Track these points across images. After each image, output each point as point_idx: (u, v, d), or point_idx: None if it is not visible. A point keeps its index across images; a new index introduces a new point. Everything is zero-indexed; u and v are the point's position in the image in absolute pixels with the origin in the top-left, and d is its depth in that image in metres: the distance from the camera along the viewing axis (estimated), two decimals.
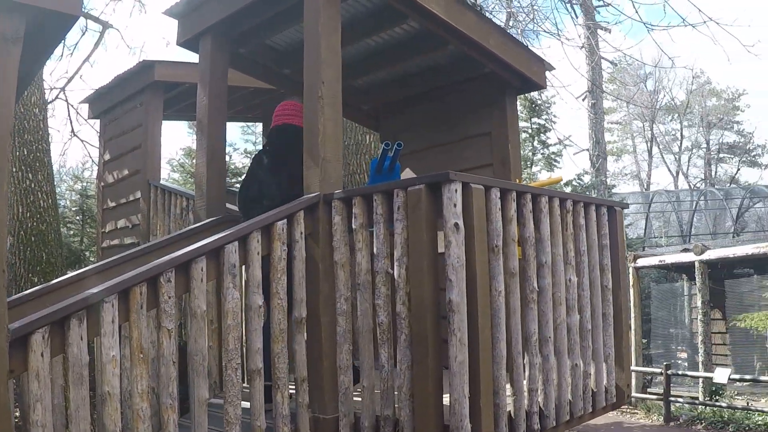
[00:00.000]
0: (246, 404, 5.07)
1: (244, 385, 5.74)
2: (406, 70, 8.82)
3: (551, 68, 8.57)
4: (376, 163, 6.32)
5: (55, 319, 4.03)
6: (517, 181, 7.91)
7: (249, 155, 25.27)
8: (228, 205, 7.67)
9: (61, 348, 4.10)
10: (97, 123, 14.04)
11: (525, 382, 5.50)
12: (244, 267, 5.18)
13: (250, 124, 22.11)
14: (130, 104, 12.07)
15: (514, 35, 10.29)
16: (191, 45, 7.67)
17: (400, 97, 9.25)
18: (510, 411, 5.34)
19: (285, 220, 5.37)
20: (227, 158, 23.41)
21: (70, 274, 6.46)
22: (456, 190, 4.83)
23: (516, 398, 5.38)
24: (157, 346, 4.63)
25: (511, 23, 20.61)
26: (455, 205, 4.82)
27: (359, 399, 5.42)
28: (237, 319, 4.94)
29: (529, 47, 9.00)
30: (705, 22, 16.65)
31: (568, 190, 24.17)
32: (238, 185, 21.72)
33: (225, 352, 4.93)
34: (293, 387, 5.44)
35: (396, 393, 5.10)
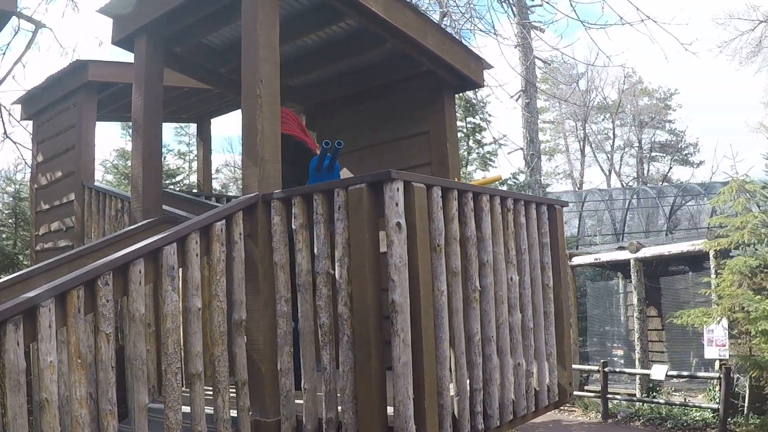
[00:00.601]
0: (186, 409, 4.97)
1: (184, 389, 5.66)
2: (344, 69, 8.79)
3: (489, 67, 8.57)
4: (316, 162, 6.25)
5: None
6: (456, 179, 7.91)
7: (182, 156, 25.10)
8: (164, 207, 7.58)
9: None
10: (30, 124, 13.86)
11: (468, 382, 5.46)
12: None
13: (183, 125, 21.98)
14: (64, 105, 11.91)
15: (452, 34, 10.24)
16: (126, 44, 7.55)
17: (337, 97, 9.21)
18: (454, 412, 5.30)
19: (224, 221, 5.29)
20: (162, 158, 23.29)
21: (4, 278, 6.31)
22: (398, 189, 4.77)
23: (460, 398, 5.34)
24: (95, 351, 4.51)
25: (446, 22, 20.65)
26: (397, 204, 4.76)
27: (301, 402, 5.33)
28: (176, 322, 4.85)
29: (467, 46, 8.96)
30: (643, 20, 16.78)
31: (504, 189, 24.29)
32: (172, 186, 21.59)
33: (164, 356, 4.83)
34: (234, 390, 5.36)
35: (339, 395, 5.03)
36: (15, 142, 17.57)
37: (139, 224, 6.99)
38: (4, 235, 19.15)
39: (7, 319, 3.94)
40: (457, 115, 24.59)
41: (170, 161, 24.39)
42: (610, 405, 18.20)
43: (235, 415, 5.28)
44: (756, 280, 15.65)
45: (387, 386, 4.91)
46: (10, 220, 19.50)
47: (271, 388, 5.42)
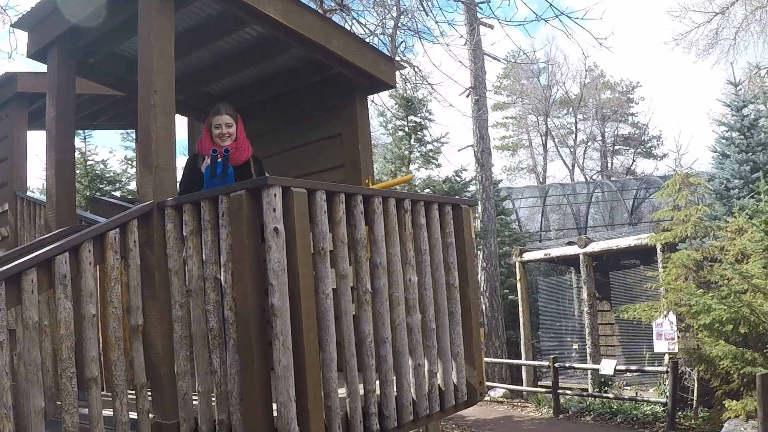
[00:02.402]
0: (84, 411, 5.07)
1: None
2: (258, 74, 8.89)
3: (401, 67, 8.71)
4: (209, 170, 6.35)
5: None
6: (367, 180, 7.99)
7: (129, 161, 25.08)
8: (82, 212, 7.66)
9: None
10: None
11: (361, 383, 5.56)
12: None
13: (129, 131, 21.98)
14: None
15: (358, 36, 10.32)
16: (40, 56, 7.60)
17: (255, 101, 9.28)
18: (345, 412, 5.41)
19: (117, 229, 5.38)
20: (103, 165, 23.27)
21: None
22: (275, 195, 4.87)
23: (351, 400, 5.44)
24: None
25: (404, 20, 20.72)
26: (275, 210, 4.86)
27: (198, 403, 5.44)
28: (70, 329, 4.94)
29: (375, 47, 9.06)
30: (557, 16, 16.89)
31: (446, 187, 24.37)
32: (115, 192, 21.62)
33: (59, 362, 4.93)
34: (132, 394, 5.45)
35: (228, 397, 5.14)
36: None
37: (52, 233, 7.06)
38: None
39: None
40: (399, 114, 24.71)
41: (115, 166, 24.46)
42: (561, 400, 18.35)
43: (135, 417, 5.36)
44: (702, 273, 15.78)
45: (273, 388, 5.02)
46: None
47: (170, 391, 5.51)
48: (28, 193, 11.30)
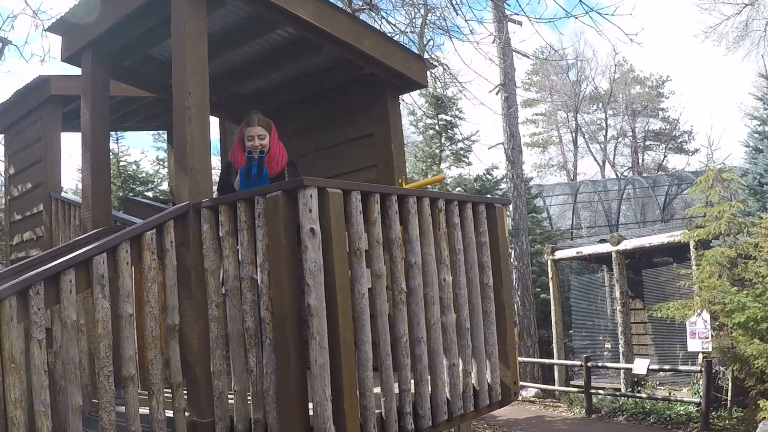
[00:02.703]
0: (120, 409, 5.13)
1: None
2: (290, 75, 8.92)
3: (432, 66, 8.73)
4: (244, 171, 6.38)
5: None
6: (400, 180, 8.00)
7: (160, 162, 25.16)
8: (117, 213, 7.72)
9: None
10: (1, 138, 14.06)
11: (396, 383, 5.57)
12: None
13: (161, 132, 22.05)
14: (31, 119, 12.12)
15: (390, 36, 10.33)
16: (74, 60, 7.69)
17: (287, 102, 9.32)
18: (380, 412, 5.42)
19: (154, 230, 5.43)
20: (135, 166, 23.35)
21: None
22: (311, 196, 4.90)
23: (386, 399, 5.46)
24: (29, 356, 4.67)
25: (428, 17, 20.70)
26: (311, 210, 4.89)
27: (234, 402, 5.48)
28: (107, 328, 5.00)
29: (406, 47, 9.05)
30: (587, 12, 16.92)
31: (477, 185, 24.35)
32: (147, 192, 21.69)
33: (97, 360, 4.99)
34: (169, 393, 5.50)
35: (264, 396, 5.17)
36: None
37: (87, 234, 7.12)
38: None
39: None
40: (429, 112, 24.67)
41: (147, 167, 24.52)
42: (594, 400, 18.21)
43: (171, 415, 5.41)
44: (736, 270, 15.66)
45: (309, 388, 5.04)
46: None
47: (205, 390, 5.57)
48: (63, 194, 11.37)
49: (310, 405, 4.97)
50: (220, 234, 5.51)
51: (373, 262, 5.43)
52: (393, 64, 8.03)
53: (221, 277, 5.55)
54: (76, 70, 7.76)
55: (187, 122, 5.92)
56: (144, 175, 23.45)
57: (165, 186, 22.88)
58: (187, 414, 5.51)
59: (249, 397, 5.39)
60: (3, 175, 14.77)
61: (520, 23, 23.54)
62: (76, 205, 10.32)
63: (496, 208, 7.02)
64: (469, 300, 6.49)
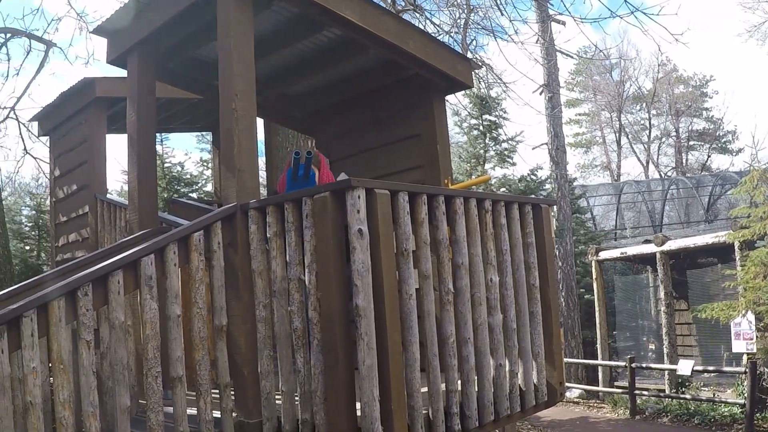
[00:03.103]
0: (167, 409, 5.16)
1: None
2: (335, 76, 8.92)
3: (478, 67, 8.65)
4: (291, 172, 6.38)
5: None
6: (446, 181, 7.97)
7: (204, 163, 25.25)
8: (163, 215, 7.75)
9: None
10: (47, 139, 14.16)
11: (442, 383, 5.55)
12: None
13: (204, 133, 22.14)
14: (75, 121, 12.23)
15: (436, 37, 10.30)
16: (120, 62, 7.76)
17: (332, 103, 9.34)
18: (427, 412, 5.40)
19: (202, 231, 5.46)
20: (180, 167, 23.43)
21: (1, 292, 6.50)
22: (359, 197, 4.89)
23: (433, 400, 5.42)
24: (77, 357, 4.70)
25: (472, 17, 20.65)
26: (359, 211, 4.88)
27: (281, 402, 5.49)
28: (155, 329, 5.03)
29: (452, 47, 9.01)
30: (632, 12, 16.75)
31: (521, 186, 24.27)
32: (191, 194, 21.76)
33: (145, 361, 5.02)
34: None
35: (311, 397, 5.17)
36: (35, 158, 17.94)
37: (134, 235, 7.16)
38: (28, 247, 19.43)
39: None
40: (473, 113, 24.61)
41: (190, 168, 24.63)
42: (638, 401, 18.10)
43: (218, 416, 5.43)
44: None
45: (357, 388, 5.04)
46: (33, 233, 19.77)
47: (252, 390, 5.58)
48: (108, 196, 11.44)
49: (357, 405, 4.97)
50: (268, 235, 5.52)
51: (420, 263, 5.41)
52: (439, 65, 7.99)
53: (269, 277, 5.56)
54: (120, 72, 7.79)
55: (234, 124, 5.93)
56: (188, 176, 23.54)
57: (209, 187, 22.96)
58: (234, 414, 5.52)
59: (296, 398, 5.39)
60: (48, 176, 14.80)
61: (563, 23, 23.43)
62: (122, 207, 10.40)
63: (543, 208, 6.97)
64: (516, 300, 6.45)
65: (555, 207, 23.61)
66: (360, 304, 4.84)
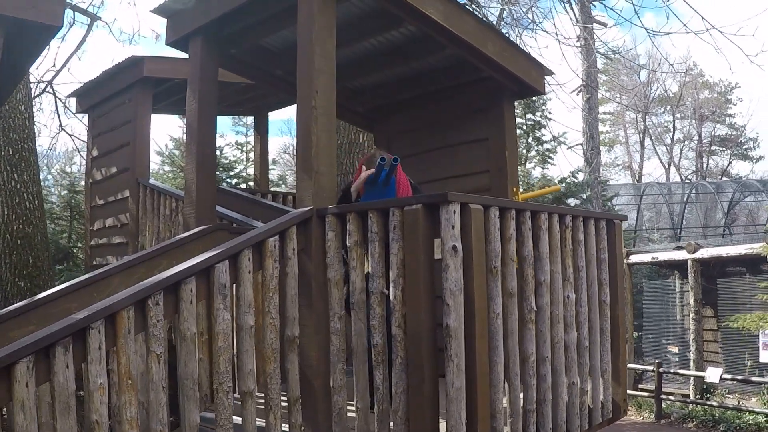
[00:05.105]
0: (238, 419, 4.92)
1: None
2: (403, 73, 8.64)
3: (550, 73, 8.41)
4: (372, 176, 6.08)
5: (40, 347, 3.85)
6: (514, 189, 7.76)
7: (240, 147, 24.99)
8: (221, 209, 7.55)
9: (47, 376, 3.93)
10: (85, 117, 13.88)
11: (521, 403, 5.39)
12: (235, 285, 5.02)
13: (243, 118, 21.96)
14: (119, 100, 11.91)
15: (512, 39, 10.11)
16: (181, 45, 7.52)
17: (395, 100, 9.04)
18: None
19: (277, 237, 5.22)
20: (219, 152, 23.24)
21: (56, 288, 6.26)
22: (454, 212, 4.69)
23: (513, 420, 5.27)
24: (146, 372, 4.47)
25: (505, 18, 20.43)
26: (453, 227, 4.67)
27: (352, 417, 5.30)
28: (228, 341, 4.80)
29: (527, 50, 8.77)
30: (708, 30, 16.35)
31: (562, 188, 24.07)
32: (228, 180, 21.51)
33: (216, 375, 4.78)
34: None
35: (393, 417, 4.95)
36: (70, 134, 17.65)
37: (193, 231, 6.94)
38: (59, 228, 19.13)
39: (57, 342, 3.90)
40: (517, 111, 24.44)
41: (227, 153, 24.25)
42: (663, 405, 18.02)
43: (287, 431, 5.22)
44: None
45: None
46: (65, 213, 19.45)
47: (323, 405, 5.37)
48: (152, 181, 11.18)
49: (441, 427, 4.80)
50: (348, 244, 5.28)
51: (506, 280, 5.23)
52: (514, 70, 7.72)
53: (345, 288, 5.33)
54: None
55: (313, 122, 5.67)
56: (227, 161, 23.06)
57: (247, 172, 22.65)
58: (302, 429, 5.29)
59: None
60: (85, 156, 14.53)
61: (604, 24, 23.20)
62: (167, 194, 10.14)
63: (615, 224, 6.84)
64: (588, 318, 6.32)
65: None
66: (451, 324, 4.65)
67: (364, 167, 6.34)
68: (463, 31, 6.91)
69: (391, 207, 4.98)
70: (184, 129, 24.02)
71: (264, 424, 5.06)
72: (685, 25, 16.97)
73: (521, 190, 9.90)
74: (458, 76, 8.31)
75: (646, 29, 22.07)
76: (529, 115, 24.29)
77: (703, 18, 15.99)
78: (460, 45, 7.13)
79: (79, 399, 4.03)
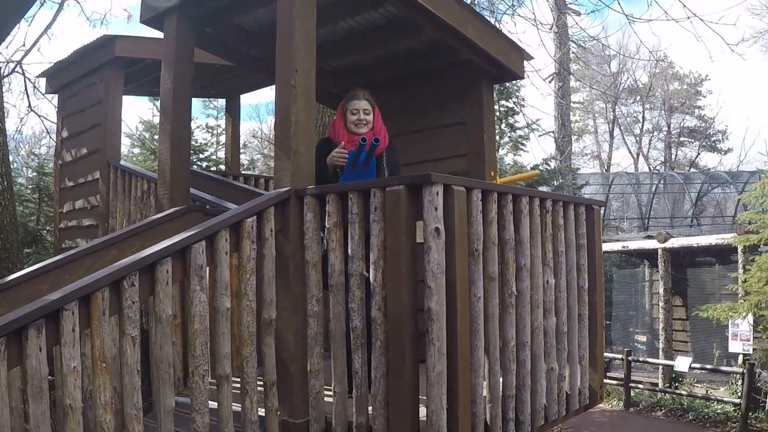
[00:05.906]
0: (213, 404, 4.84)
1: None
2: (381, 55, 8.53)
3: (530, 57, 8.38)
4: (351, 156, 6.00)
5: (12, 329, 3.74)
6: (492, 173, 7.71)
7: (210, 130, 24.82)
8: (194, 191, 7.44)
9: (19, 360, 3.82)
10: (55, 98, 13.68)
11: (501, 388, 5.37)
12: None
13: (213, 100, 21.79)
14: (90, 80, 11.68)
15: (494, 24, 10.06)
16: (156, 23, 7.33)
17: (372, 82, 8.89)
18: (486, 419, 5.20)
19: (255, 217, 5.13)
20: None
21: (27, 270, 6.12)
22: (437, 193, 4.61)
23: (492, 405, 5.24)
24: (120, 355, 4.37)
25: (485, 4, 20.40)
26: (436, 209, 4.60)
27: (330, 401, 5.24)
28: (204, 324, 4.70)
29: (509, 37, 8.69)
30: (689, 17, 16.31)
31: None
32: (199, 163, 21.36)
33: (192, 359, 4.71)
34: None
35: (372, 401, 4.90)
36: (40, 116, 17.36)
37: (167, 212, 6.83)
38: (27, 211, 18.84)
39: (29, 324, 3.78)
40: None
41: (198, 135, 24.00)
42: (632, 393, 18.16)
43: (263, 415, 5.16)
44: None
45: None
46: (34, 195, 19.17)
47: (300, 389, 5.31)
48: (122, 163, 11.03)
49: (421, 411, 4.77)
50: (327, 225, 5.20)
51: (487, 264, 5.17)
52: (494, 53, 7.67)
53: (325, 270, 5.26)
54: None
55: (292, 101, 5.56)
56: (197, 144, 22.76)
57: (217, 155, 22.48)
58: (279, 414, 5.23)
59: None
60: (54, 137, 14.32)
61: (578, 14, 23.19)
62: (139, 176, 10.00)
63: (595, 210, 6.86)
64: (567, 303, 6.31)
65: None
66: (433, 307, 4.58)
67: (347, 109, 6.37)
68: (444, 13, 6.81)
69: (372, 188, 4.90)
70: (155, 111, 23.95)
71: (240, 409, 4.99)
72: (666, 12, 16.92)
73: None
74: (437, 58, 8.20)
75: (626, 15, 22.06)
76: (503, 102, 24.29)
77: (684, 5, 15.96)
78: (441, 27, 7.03)
79: (51, 383, 3.94)
